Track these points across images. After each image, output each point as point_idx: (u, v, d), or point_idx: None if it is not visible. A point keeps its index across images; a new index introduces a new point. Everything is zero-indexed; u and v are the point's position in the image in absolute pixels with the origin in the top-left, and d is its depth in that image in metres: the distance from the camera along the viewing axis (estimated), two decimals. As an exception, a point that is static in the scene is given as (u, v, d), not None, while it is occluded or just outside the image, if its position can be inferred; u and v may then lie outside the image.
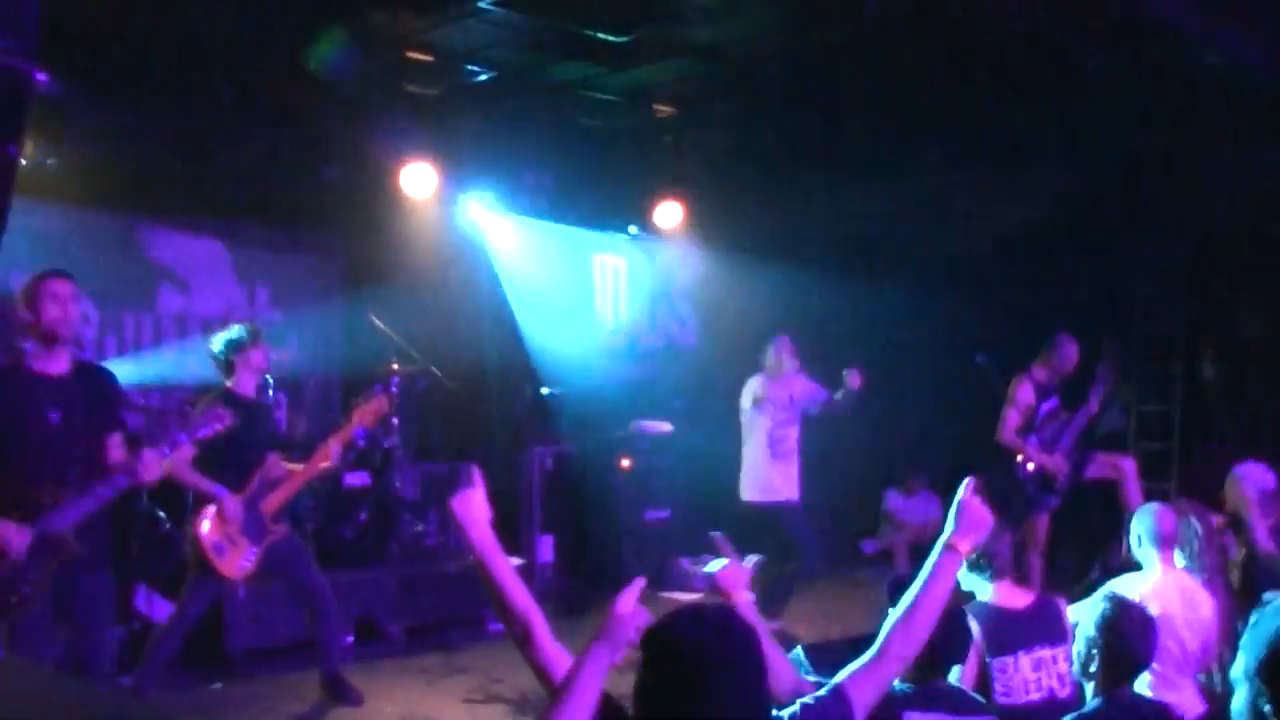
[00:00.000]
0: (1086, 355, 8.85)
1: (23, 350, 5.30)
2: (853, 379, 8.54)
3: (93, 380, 5.46)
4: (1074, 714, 4.15)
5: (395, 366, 9.51)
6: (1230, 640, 5.34)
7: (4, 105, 2.94)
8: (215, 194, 9.34)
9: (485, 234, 11.00)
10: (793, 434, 8.96)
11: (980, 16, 6.68)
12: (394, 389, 9.31)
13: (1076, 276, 10.61)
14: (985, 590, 5.11)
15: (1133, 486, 8.51)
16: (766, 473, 8.87)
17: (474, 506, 3.51)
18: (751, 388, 8.96)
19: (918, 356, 11.73)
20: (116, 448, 5.41)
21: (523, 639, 3.34)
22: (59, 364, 5.31)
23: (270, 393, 8.08)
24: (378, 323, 9.75)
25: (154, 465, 5.21)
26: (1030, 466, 8.61)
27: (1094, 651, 4.15)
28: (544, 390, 11.28)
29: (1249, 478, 6.25)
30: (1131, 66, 7.62)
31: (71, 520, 5.10)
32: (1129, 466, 8.73)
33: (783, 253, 11.51)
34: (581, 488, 10.61)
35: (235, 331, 6.94)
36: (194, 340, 9.31)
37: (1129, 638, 4.13)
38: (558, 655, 3.31)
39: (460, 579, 9.08)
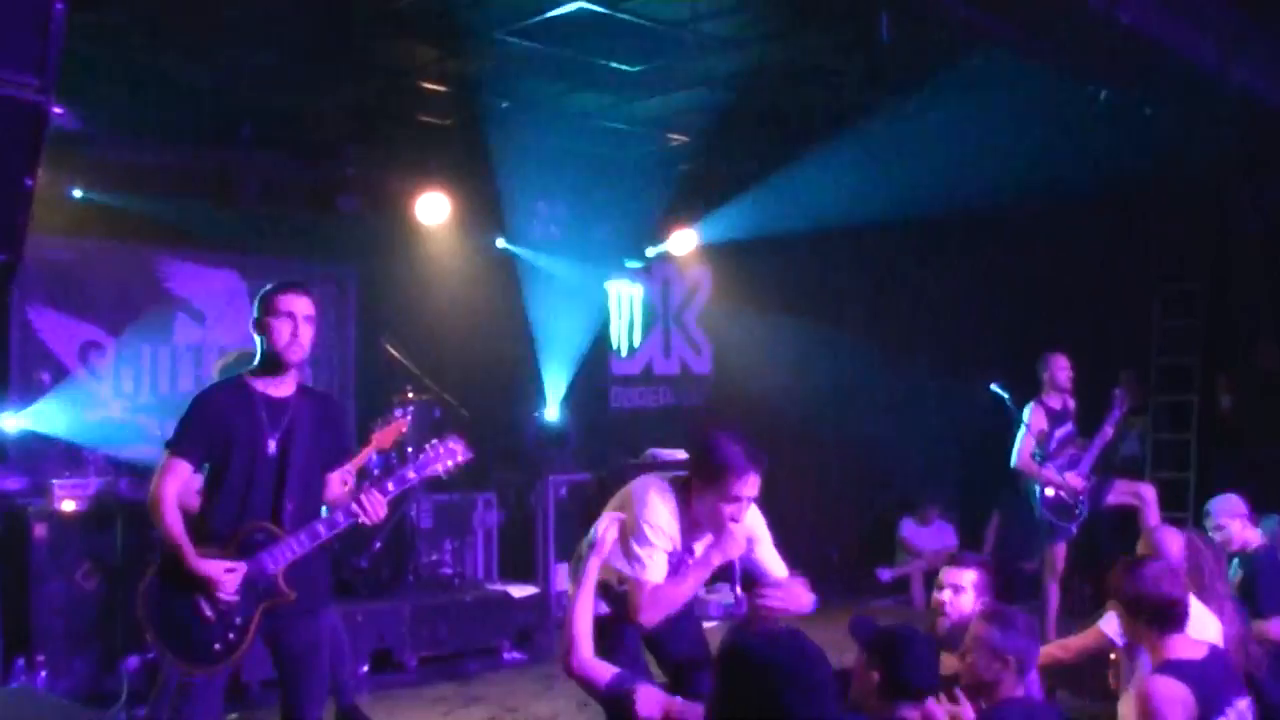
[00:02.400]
0: (1105, 384, 8.84)
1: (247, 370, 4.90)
2: None
3: (318, 407, 4.98)
4: None
5: (410, 395, 9.51)
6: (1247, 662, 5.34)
7: (23, 140, 2.97)
8: (232, 226, 9.38)
9: (500, 262, 11.03)
10: None
11: (997, 50, 6.68)
12: (403, 414, 9.31)
13: (1094, 307, 10.61)
14: (1157, 648, 4.57)
15: (1153, 514, 8.48)
16: None
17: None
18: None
19: (932, 385, 11.73)
20: (338, 483, 5.03)
21: None
22: (285, 387, 4.87)
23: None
24: (393, 351, 9.77)
25: (379, 505, 4.81)
26: (1048, 493, 8.58)
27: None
28: (558, 418, 11.28)
29: None
30: (1150, 96, 7.62)
31: (285, 561, 4.72)
32: (1149, 494, 8.71)
33: (795, 278, 11.57)
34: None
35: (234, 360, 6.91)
36: (208, 372, 9.36)
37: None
38: None
39: (476, 609, 9.08)
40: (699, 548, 4.81)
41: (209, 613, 4.64)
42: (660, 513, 4.66)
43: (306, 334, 4.80)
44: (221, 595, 4.62)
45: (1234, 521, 6.64)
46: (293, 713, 4.87)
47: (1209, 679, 4.36)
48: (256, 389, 4.81)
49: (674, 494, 4.73)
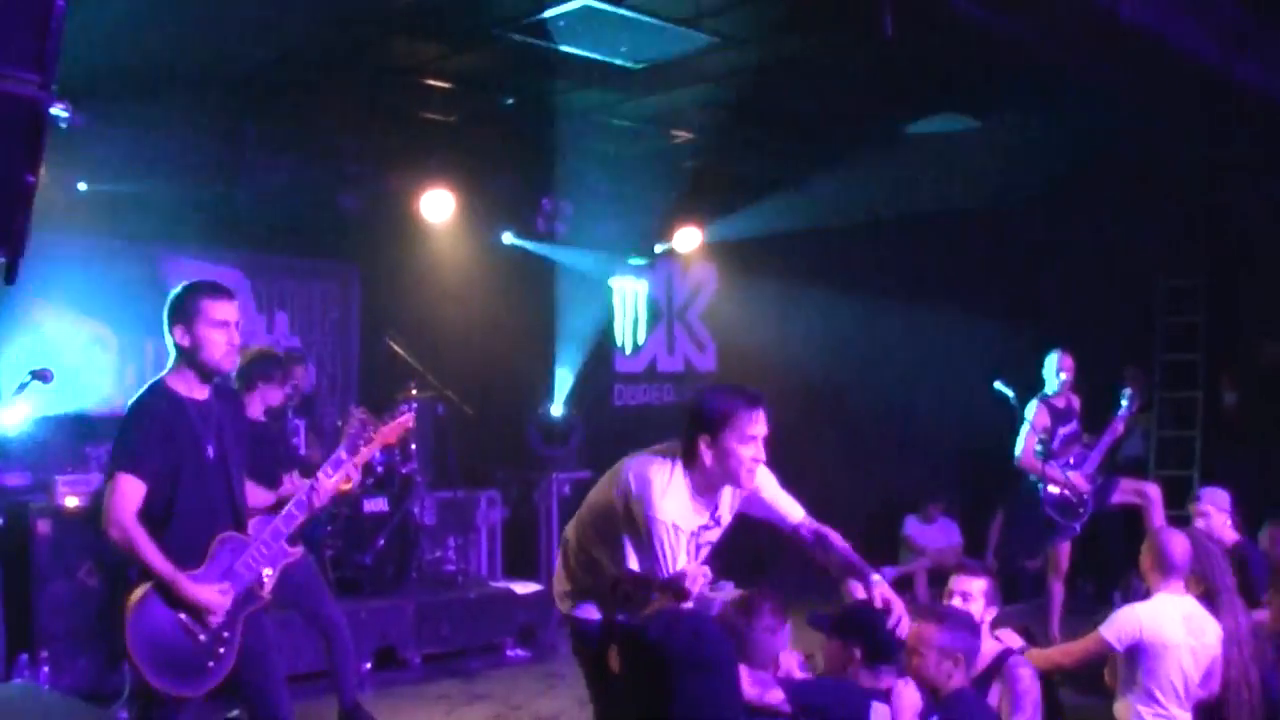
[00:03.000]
0: (1111, 382, 8.83)
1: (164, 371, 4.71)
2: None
3: (229, 405, 4.88)
4: None
5: (414, 392, 9.50)
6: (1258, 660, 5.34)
7: (24, 136, 2.96)
8: (236, 223, 9.38)
9: (503, 260, 11.02)
10: None
11: (999, 46, 6.67)
12: (409, 410, 9.30)
13: (1098, 303, 10.60)
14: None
15: (1157, 513, 8.47)
16: None
17: None
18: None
19: (936, 383, 11.72)
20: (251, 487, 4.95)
21: None
22: (204, 389, 4.70)
23: (289, 415, 8.12)
24: (396, 348, 9.77)
25: (325, 491, 4.81)
26: (1052, 490, 8.56)
27: None
28: (562, 416, 11.28)
29: None
30: (1159, 93, 7.61)
31: (261, 566, 4.69)
32: (1154, 493, 8.70)
33: (798, 277, 11.56)
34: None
35: (252, 359, 6.86)
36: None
37: None
38: None
39: (479, 606, 9.09)
40: (724, 510, 4.62)
41: (202, 634, 4.57)
42: (670, 502, 4.39)
43: (237, 341, 4.70)
44: (214, 620, 4.56)
45: (1220, 514, 6.66)
46: (271, 712, 4.83)
47: None
48: (182, 394, 4.64)
49: (675, 467, 4.47)
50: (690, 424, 4.48)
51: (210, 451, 4.65)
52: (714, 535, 4.64)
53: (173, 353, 4.69)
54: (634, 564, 4.51)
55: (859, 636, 4.18)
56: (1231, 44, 6.86)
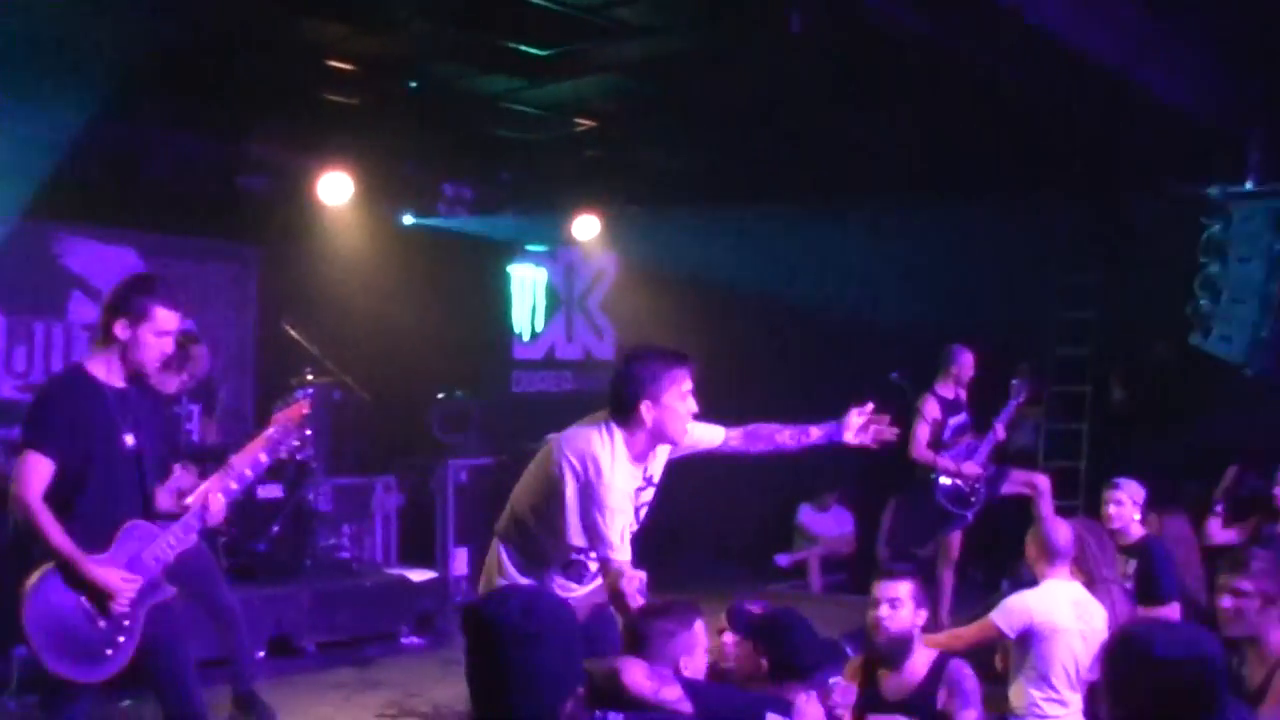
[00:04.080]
0: (1000, 375, 9.00)
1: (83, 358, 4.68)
2: None
3: (147, 396, 4.82)
4: None
5: (310, 377, 9.41)
6: None
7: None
8: (131, 202, 9.18)
9: (403, 245, 10.93)
10: None
11: (906, 42, 6.76)
12: (306, 397, 9.21)
13: (991, 298, 10.78)
14: None
15: (1047, 504, 8.68)
16: None
17: None
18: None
19: (833, 374, 11.84)
20: (176, 480, 4.93)
21: None
22: (122, 376, 4.67)
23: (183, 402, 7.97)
24: (293, 333, 9.66)
25: (220, 509, 4.73)
26: (945, 481, 8.72)
27: None
28: (460, 402, 11.24)
29: None
30: (1059, 92, 7.77)
31: (168, 557, 4.63)
32: (1044, 484, 8.93)
33: (701, 266, 11.61)
34: (497, 500, 10.55)
35: None
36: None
37: None
38: None
39: (375, 593, 9.04)
40: (654, 469, 4.78)
41: (101, 620, 4.50)
42: (619, 469, 4.53)
43: (170, 350, 4.74)
44: (117, 606, 4.49)
45: (1134, 509, 6.81)
46: (183, 706, 4.75)
47: None
48: (100, 379, 4.61)
49: (613, 434, 4.58)
50: (628, 390, 4.62)
51: (127, 441, 4.62)
52: (649, 495, 4.79)
53: (100, 336, 4.67)
54: (577, 540, 4.61)
55: (768, 647, 4.19)
56: (1132, 46, 7.02)
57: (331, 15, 7.69)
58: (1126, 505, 6.75)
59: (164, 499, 4.86)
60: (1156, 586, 6.39)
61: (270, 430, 5.07)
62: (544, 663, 2.77)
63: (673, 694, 3.87)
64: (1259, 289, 8.68)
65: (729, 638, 4.77)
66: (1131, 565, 6.53)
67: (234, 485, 4.80)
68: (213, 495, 4.72)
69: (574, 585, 4.79)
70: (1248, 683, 4.36)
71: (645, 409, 4.56)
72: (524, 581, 4.71)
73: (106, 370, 4.63)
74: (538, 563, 4.75)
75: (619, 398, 4.63)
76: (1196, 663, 2.77)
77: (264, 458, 4.93)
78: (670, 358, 4.68)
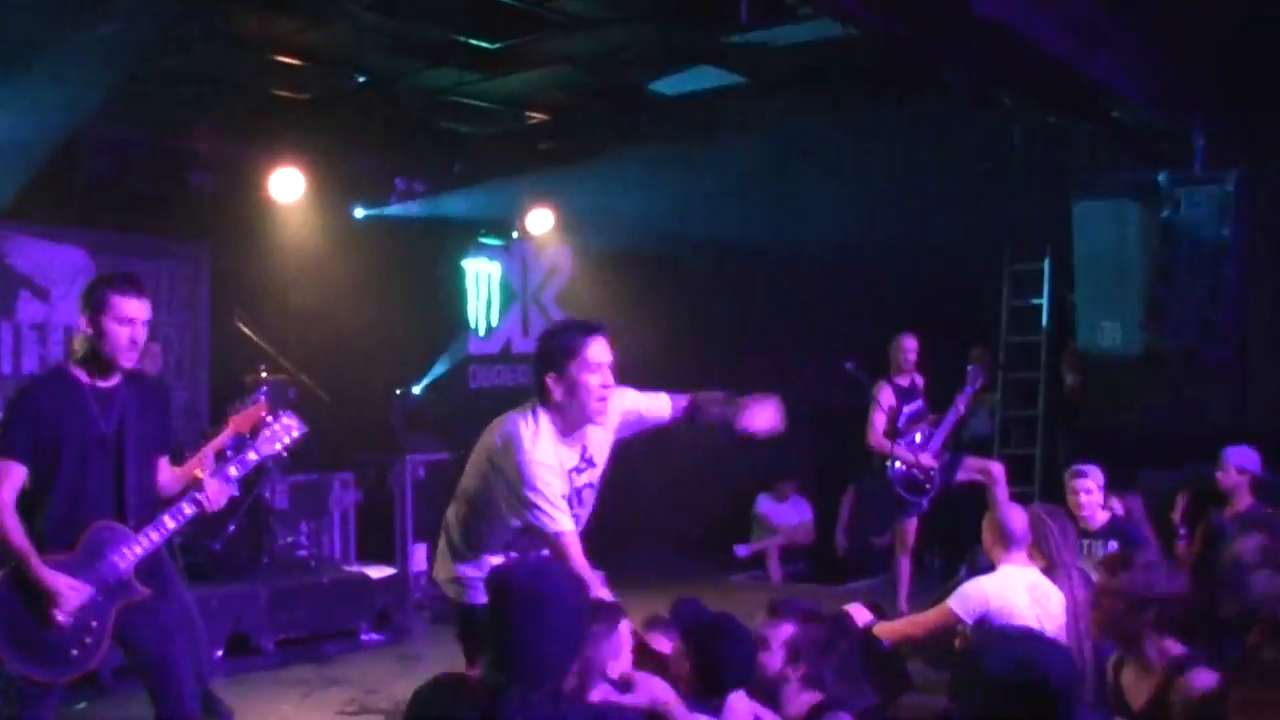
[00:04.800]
0: (956, 361, 9.07)
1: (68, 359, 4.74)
2: None
3: (143, 393, 4.82)
4: None
5: (265, 375, 9.36)
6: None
7: None
8: (80, 200, 9.09)
9: (355, 240, 10.88)
10: None
11: (854, 29, 6.78)
12: (263, 398, 9.16)
13: (945, 286, 10.84)
14: None
15: (1001, 491, 8.74)
16: None
17: None
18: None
19: (789, 364, 11.88)
20: (165, 470, 4.91)
21: None
22: (111, 376, 4.70)
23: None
24: (246, 330, 9.60)
25: (221, 493, 4.78)
26: (899, 466, 8.78)
27: None
28: (416, 397, 11.20)
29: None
30: (1009, 84, 7.81)
31: (137, 558, 4.61)
32: (998, 471, 8.99)
33: (655, 258, 11.60)
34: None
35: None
36: (55, 351, 9.10)
37: None
38: None
39: (333, 590, 8.99)
40: (594, 450, 4.73)
41: (62, 618, 4.48)
42: (542, 446, 4.50)
43: (142, 338, 4.71)
44: (58, 613, 4.45)
45: (1099, 493, 6.84)
46: (172, 708, 4.71)
47: None
48: (83, 380, 4.65)
49: (538, 415, 4.57)
50: (537, 364, 4.63)
51: (104, 434, 4.63)
52: (592, 476, 4.75)
53: (81, 336, 4.72)
54: (513, 518, 4.59)
55: (694, 654, 4.10)
56: (1084, 39, 7.06)
57: (279, 9, 7.64)
58: (1095, 493, 6.80)
59: (167, 479, 4.90)
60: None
61: (228, 431, 5.27)
62: (545, 621, 2.95)
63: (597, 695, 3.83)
64: (1208, 275, 8.76)
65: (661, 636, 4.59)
66: (1099, 550, 6.55)
67: (233, 471, 4.87)
68: (210, 481, 4.77)
69: None
70: (1127, 696, 4.14)
71: (551, 383, 4.53)
72: (467, 564, 4.74)
73: (88, 370, 4.68)
74: (479, 545, 4.74)
75: (533, 376, 4.64)
76: (1025, 684, 2.74)
77: (254, 456, 5.00)
78: (577, 329, 4.63)
